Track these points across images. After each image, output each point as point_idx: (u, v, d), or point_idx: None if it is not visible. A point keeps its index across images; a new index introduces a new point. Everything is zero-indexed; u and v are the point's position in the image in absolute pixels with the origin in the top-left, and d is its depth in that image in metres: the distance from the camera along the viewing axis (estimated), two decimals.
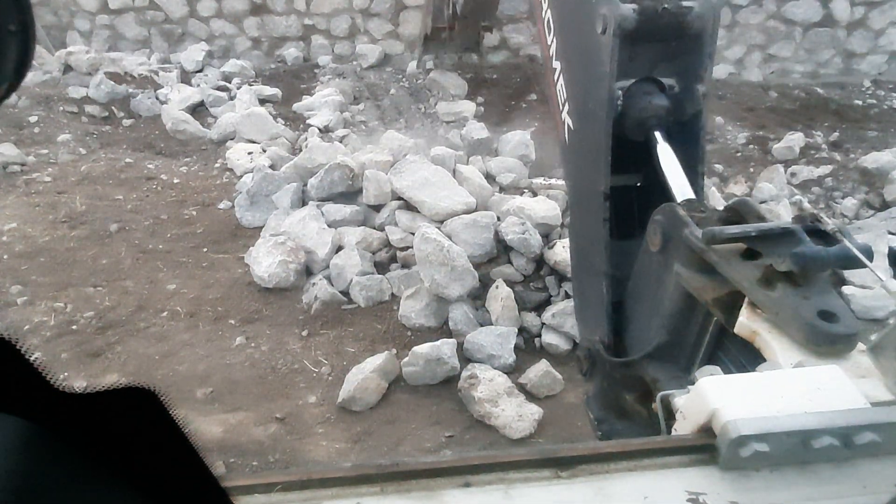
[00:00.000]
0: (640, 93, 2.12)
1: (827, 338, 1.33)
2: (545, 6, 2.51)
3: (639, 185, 2.39)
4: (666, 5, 1.98)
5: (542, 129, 7.35)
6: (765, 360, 1.42)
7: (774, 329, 1.42)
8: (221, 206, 5.94)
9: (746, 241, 1.59)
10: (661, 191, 2.06)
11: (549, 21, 2.49)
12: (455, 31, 7.50)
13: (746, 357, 1.59)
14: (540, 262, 4.81)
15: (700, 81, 2.10)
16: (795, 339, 1.37)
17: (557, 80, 2.48)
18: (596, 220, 2.24)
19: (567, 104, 2.42)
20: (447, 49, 8.10)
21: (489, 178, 5.80)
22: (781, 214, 5.53)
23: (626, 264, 2.20)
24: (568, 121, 2.42)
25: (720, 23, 2.15)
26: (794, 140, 7.29)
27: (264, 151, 6.64)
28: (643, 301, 2.12)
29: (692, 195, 1.99)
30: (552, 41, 2.49)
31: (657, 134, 2.10)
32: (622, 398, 2.19)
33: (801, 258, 1.41)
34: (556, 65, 2.47)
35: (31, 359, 0.40)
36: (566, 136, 2.47)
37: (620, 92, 2.08)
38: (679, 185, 2.01)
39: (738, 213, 1.80)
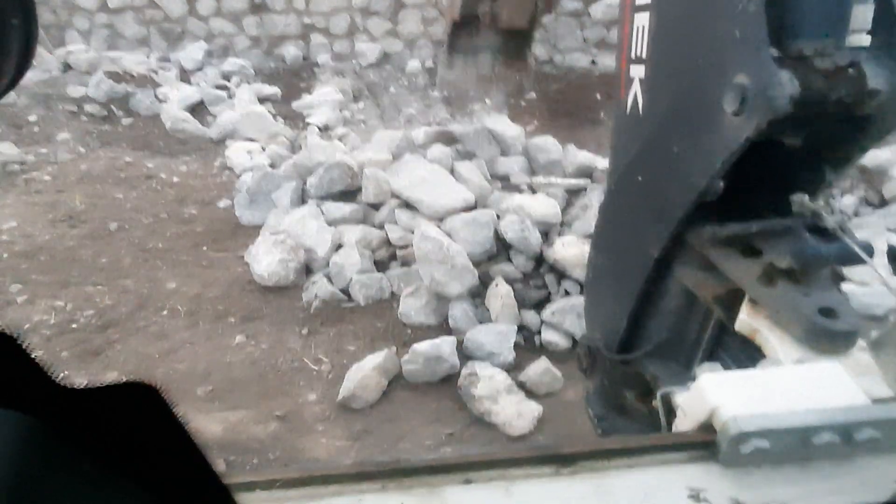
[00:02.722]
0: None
1: (827, 335, 1.33)
2: None
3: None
4: (843, 93, 1.34)
5: (540, 127, 7.35)
6: (765, 356, 1.42)
7: (775, 326, 1.42)
8: (221, 204, 5.94)
9: (746, 238, 1.59)
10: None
11: None
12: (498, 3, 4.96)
13: (747, 354, 1.59)
14: (539, 259, 4.81)
15: (835, 169, 1.56)
16: (796, 336, 1.37)
17: (634, 10, 1.69)
18: (637, 257, 1.88)
19: (645, 67, 1.68)
20: (483, 39, 5.55)
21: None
22: None
23: None
24: (637, 90, 1.73)
25: None
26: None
27: (264, 150, 6.64)
28: (644, 297, 2.12)
29: None
30: None
31: None
32: (622, 395, 2.19)
33: (801, 255, 1.41)
34: None
35: (32, 354, 0.40)
36: (628, 107, 1.78)
37: (723, 184, 1.51)
38: None
39: None
